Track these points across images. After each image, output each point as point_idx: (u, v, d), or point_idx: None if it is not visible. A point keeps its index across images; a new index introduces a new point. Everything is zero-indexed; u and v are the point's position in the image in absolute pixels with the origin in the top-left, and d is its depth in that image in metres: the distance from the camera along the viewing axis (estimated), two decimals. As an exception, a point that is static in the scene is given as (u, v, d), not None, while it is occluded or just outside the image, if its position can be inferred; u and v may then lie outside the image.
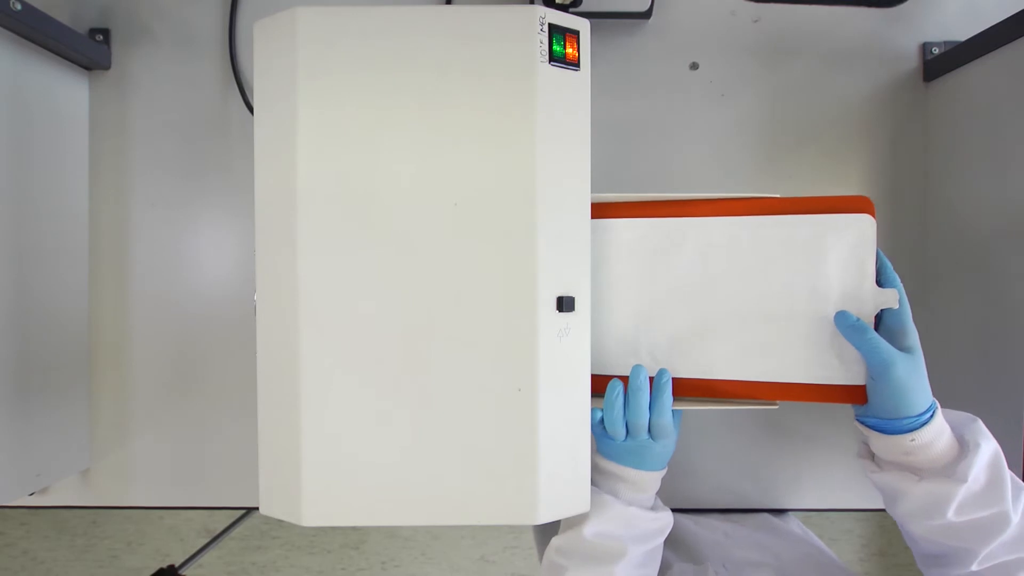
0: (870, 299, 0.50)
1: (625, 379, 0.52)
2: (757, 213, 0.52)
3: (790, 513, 0.72)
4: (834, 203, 0.51)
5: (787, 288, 0.52)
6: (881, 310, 0.51)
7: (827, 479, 0.71)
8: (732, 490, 0.71)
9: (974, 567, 0.47)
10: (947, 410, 0.51)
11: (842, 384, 0.51)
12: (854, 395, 0.51)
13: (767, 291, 0.52)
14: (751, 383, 0.53)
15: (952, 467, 0.48)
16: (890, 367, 0.47)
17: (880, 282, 0.51)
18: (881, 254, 0.51)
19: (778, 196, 0.53)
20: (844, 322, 0.50)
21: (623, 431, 0.51)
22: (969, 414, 0.51)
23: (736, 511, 0.71)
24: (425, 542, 1.56)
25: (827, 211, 0.51)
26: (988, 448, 0.48)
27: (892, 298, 0.50)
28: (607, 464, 0.53)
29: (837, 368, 0.51)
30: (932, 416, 0.48)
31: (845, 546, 1.56)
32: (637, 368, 0.51)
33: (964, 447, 0.48)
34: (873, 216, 0.51)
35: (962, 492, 0.46)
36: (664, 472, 0.53)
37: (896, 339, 0.49)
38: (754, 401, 0.54)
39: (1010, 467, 0.48)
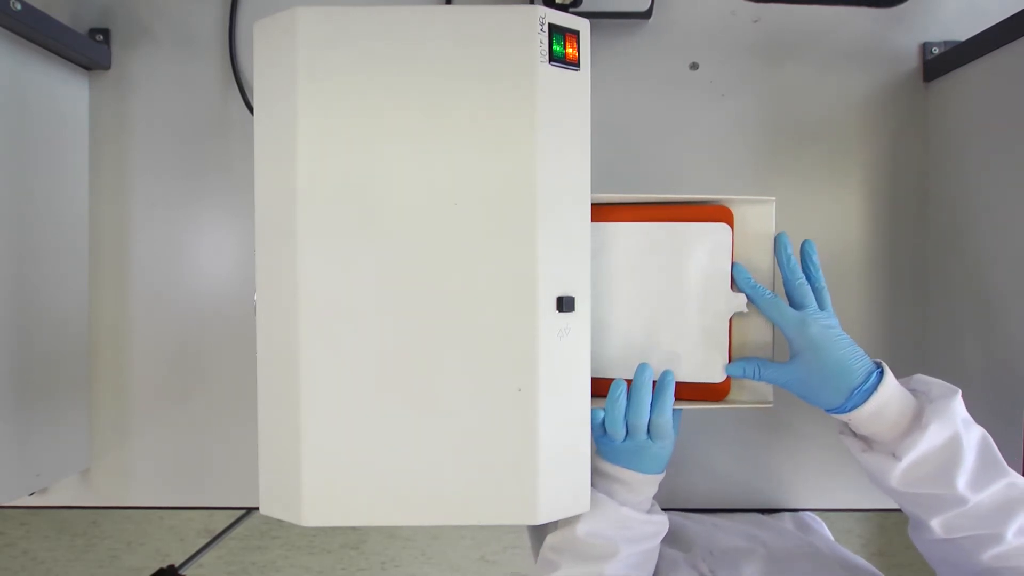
0: (726, 302, 0.54)
1: (628, 381, 0.52)
2: (656, 219, 0.56)
3: (802, 512, 0.72)
4: (698, 212, 0.55)
5: (661, 292, 0.55)
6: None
7: (827, 479, 0.71)
8: (731, 490, 0.71)
9: (939, 534, 0.47)
10: (928, 378, 0.51)
11: (701, 382, 0.55)
12: (710, 392, 0.55)
13: (653, 294, 0.56)
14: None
15: (895, 443, 0.48)
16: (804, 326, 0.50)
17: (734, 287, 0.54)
18: (739, 264, 0.54)
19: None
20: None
21: (623, 431, 0.51)
22: (950, 386, 0.49)
23: (735, 511, 0.71)
24: (425, 542, 1.56)
25: (692, 219, 0.55)
26: (940, 433, 0.46)
27: (741, 302, 0.54)
28: (604, 465, 0.53)
29: (699, 367, 0.55)
30: (876, 386, 0.48)
31: (845, 546, 1.55)
32: (643, 366, 0.51)
33: (915, 424, 0.48)
34: (731, 225, 0.54)
35: (899, 469, 0.47)
36: (662, 476, 0.53)
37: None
38: (749, 401, 0.56)
39: (1010, 466, 0.47)
